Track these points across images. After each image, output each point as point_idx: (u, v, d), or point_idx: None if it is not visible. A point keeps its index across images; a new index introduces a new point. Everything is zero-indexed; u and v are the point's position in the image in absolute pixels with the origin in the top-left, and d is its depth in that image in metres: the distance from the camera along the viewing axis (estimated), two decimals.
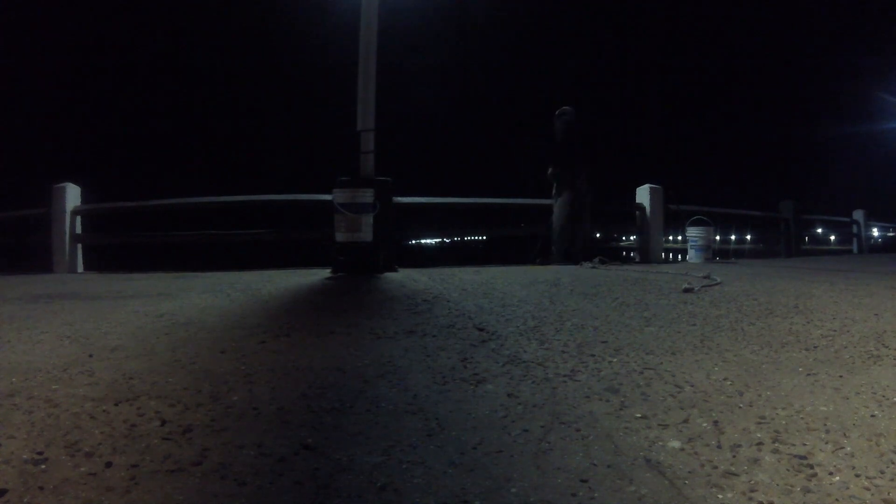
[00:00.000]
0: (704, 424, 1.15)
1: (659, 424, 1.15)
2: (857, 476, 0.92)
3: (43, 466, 0.96)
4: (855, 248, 10.28)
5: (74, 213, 5.60)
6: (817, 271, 4.62)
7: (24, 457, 1.00)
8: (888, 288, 3.18)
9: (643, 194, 6.52)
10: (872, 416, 1.18)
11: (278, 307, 2.65)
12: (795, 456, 1.00)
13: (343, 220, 4.08)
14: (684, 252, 7.39)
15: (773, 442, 1.06)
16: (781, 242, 8.70)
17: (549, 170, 5.54)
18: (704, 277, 3.67)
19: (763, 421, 1.16)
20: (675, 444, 1.06)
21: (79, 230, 5.64)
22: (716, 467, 0.96)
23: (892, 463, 0.97)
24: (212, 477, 0.93)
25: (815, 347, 1.76)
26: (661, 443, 1.06)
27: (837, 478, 0.92)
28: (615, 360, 1.63)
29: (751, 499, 0.86)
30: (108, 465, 0.97)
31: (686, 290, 3.00)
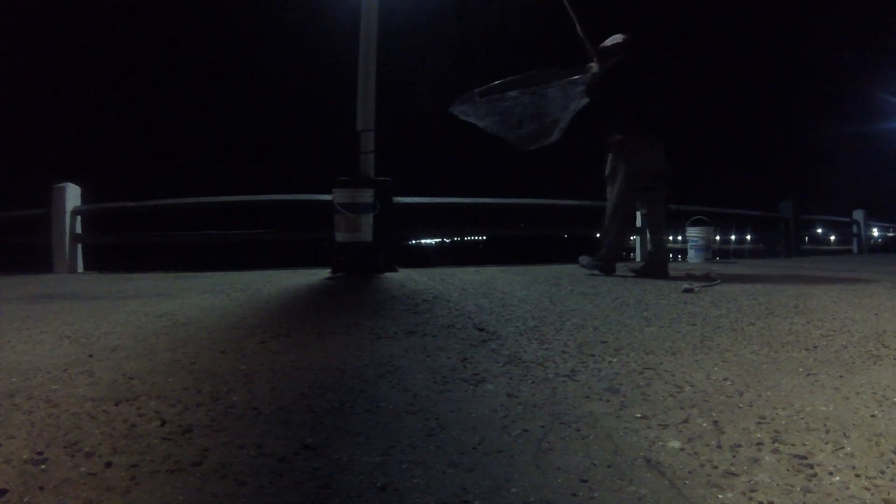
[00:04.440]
0: (704, 424, 1.15)
1: (659, 424, 1.15)
2: (857, 476, 0.92)
3: (43, 466, 0.96)
4: (855, 248, 10.29)
5: (74, 213, 5.60)
6: (817, 271, 4.62)
7: (24, 457, 1.00)
8: (888, 288, 3.18)
9: None
10: (872, 416, 1.18)
11: (278, 307, 2.65)
12: (795, 456, 1.00)
13: (343, 220, 4.08)
14: (684, 252, 7.40)
15: (773, 442, 1.06)
16: (781, 242, 8.71)
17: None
18: (704, 277, 3.67)
19: (763, 421, 1.16)
20: (675, 444, 1.06)
21: (79, 230, 5.65)
22: (716, 467, 0.96)
23: (892, 463, 0.97)
24: (212, 477, 0.93)
25: (815, 347, 1.76)
26: (661, 443, 1.06)
27: (837, 478, 0.92)
28: (615, 360, 1.63)
29: (751, 499, 0.86)
30: (108, 465, 0.97)
31: (686, 290, 3.00)
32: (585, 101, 3.69)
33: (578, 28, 3.75)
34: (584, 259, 4.05)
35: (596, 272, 3.90)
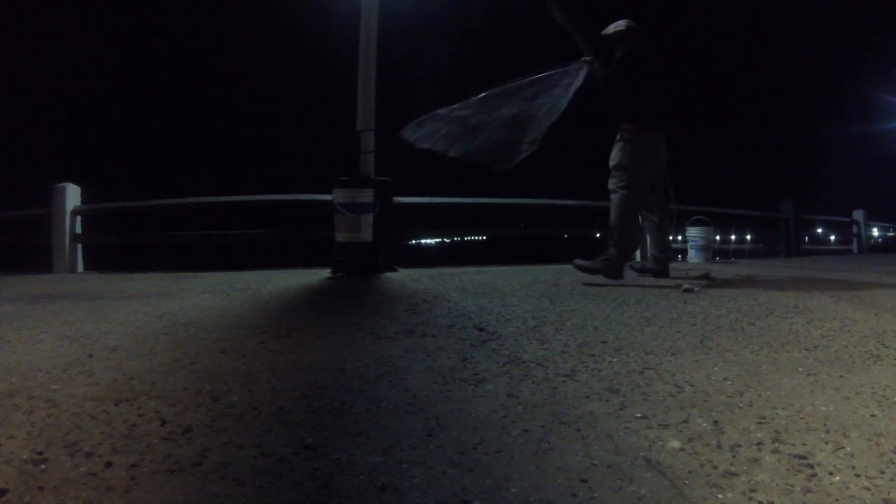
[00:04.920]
0: (704, 424, 1.15)
1: (659, 424, 1.15)
2: (857, 476, 0.92)
3: (43, 466, 0.96)
4: (855, 248, 10.30)
5: (74, 213, 5.61)
6: (817, 271, 4.62)
7: (24, 457, 1.00)
8: (888, 288, 3.18)
9: None
10: (872, 416, 1.18)
11: (278, 307, 2.65)
12: (795, 456, 1.00)
13: (343, 220, 4.08)
14: (684, 252, 7.40)
15: (773, 442, 1.06)
16: (781, 242, 8.72)
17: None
18: (704, 277, 3.67)
19: (763, 421, 1.16)
20: (675, 444, 1.06)
21: (79, 230, 5.65)
22: (716, 467, 0.96)
23: (892, 463, 0.97)
24: (212, 477, 0.93)
25: (815, 347, 1.76)
26: (661, 443, 1.06)
27: (837, 478, 0.92)
28: (615, 360, 1.63)
29: (751, 499, 0.86)
30: (108, 465, 0.97)
31: (686, 290, 3.00)
32: (564, 104, 3.44)
33: (557, 16, 3.46)
34: (579, 262, 3.50)
35: (599, 277, 3.38)
